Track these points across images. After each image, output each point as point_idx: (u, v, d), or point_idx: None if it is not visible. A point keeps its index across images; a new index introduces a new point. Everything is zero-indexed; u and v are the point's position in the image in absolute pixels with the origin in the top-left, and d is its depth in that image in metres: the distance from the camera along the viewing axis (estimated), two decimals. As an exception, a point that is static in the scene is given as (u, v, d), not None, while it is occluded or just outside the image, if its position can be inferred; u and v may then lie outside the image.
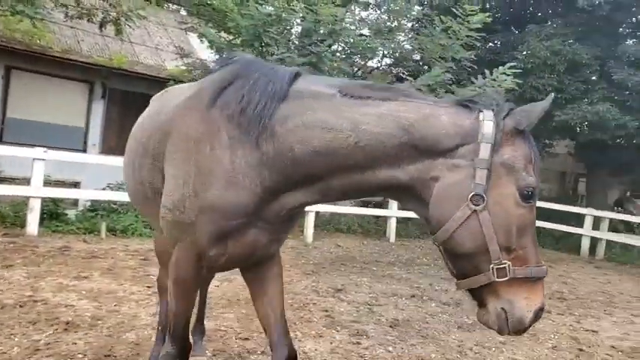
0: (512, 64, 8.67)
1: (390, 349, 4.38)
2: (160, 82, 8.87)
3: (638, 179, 13.61)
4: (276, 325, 2.25)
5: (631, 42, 12.67)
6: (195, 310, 3.73)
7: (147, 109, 2.71)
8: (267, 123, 1.87)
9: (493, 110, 1.73)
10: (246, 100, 1.92)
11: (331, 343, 4.34)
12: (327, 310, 5.13)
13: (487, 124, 1.70)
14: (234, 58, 2.20)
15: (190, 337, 2.34)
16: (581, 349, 4.92)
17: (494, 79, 8.24)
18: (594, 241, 11.80)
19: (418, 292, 6.52)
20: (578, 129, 11.04)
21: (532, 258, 1.71)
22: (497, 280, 1.67)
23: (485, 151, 1.67)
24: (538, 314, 1.72)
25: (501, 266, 1.66)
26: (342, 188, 1.91)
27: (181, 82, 5.03)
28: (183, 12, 11.68)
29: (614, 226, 12.41)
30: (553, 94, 2.01)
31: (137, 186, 2.45)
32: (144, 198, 2.41)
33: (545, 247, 11.81)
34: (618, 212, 13.11)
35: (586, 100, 11.53)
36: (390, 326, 4.98)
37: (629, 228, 13.38)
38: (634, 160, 12.37)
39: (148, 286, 5.13)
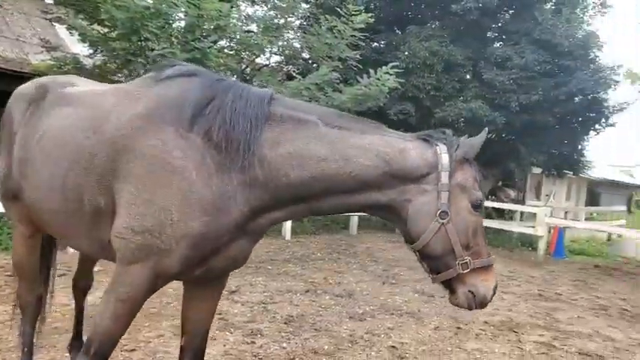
0: (394, 63, 9.07)
1: (284, 345, 4.39)
2: (24, 78, 7.95)
3: (507, 170, 15.04)
4: (201, 340, 2.48)
5: (497, 45, 13.93)
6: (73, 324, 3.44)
7: (65, 111, 2.42)
8: (255, 149, 2.02)
9: (445, 144, 2.18)
10: (230, 123, 2.03)
11: (224, 345, 4.25)
12: (220, 313, 5.00)
13: (444, 156, 2.15)
14: (177, 68, 2.29)
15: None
16: (459, 327, 5.32)
17: (378, 79, 8.56)
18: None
19: (312, 287, 6.61)
20: (455, 125, 11.88)
21: (484, 251, 2.21)
22: (462, 272, 2.15)
23: (445, 177, 2.13)
24: (494, 290, 2.23)
25: (464, 261, 2.14)
26: (330, 207, 2.22)
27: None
28: (48, 0, 10.53)
29: (489, 214, 13.63)
30: (487, 128, 2.43)
31: (60, 200, 2.29)
32: (71, 214, 2.28)
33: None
34: (492, 201, 14.41)
35: (461, 97, 12.46)
36: (285, 323, 4.99)
37: (500, 215, 14.83)
38: (503, 152, 13.66)
39: (15, 305, 4.60)
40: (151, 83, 2.27)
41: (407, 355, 4.39)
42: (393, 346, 4.57)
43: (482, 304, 2.20)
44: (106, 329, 2.10)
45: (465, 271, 2.13)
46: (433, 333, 5.07)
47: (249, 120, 2.05)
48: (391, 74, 8.64)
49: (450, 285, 2.22)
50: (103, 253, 2.33)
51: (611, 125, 14.26)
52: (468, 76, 13.47)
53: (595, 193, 27.13)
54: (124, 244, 2.04)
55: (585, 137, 14.79)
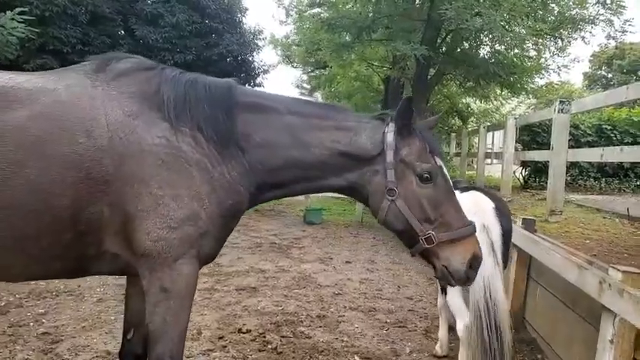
0: (23, 9, 7.68)
1: None
2: None
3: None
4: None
5: (149, 1, 13.55)
6: None
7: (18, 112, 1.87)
8: (234, 139, 2.15)
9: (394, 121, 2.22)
10: (213, 116, 2.12)
11: None
12: None
13: (389, 135, 2.21)
14: (126, 60, 2.17)
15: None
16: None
17: (2, 26, 7.10)
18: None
19: None
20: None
21: (454, 222, 2.16)
22: (427, 246, 2.14)
23: (390, 155, 2.19)
24: (473, 264, 2.15)
25: (426, 235, 2.14)
26: (302, 190, 2.43)
27: None
28: None
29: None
30: (405, 95, 2.20)
31: (24, 221, 1.84)
32: (43, 235, 1.89)
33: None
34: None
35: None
36: None
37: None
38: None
39: None
40: (107, 77, 2.06)
41: (62, 337, 3.94)
42: (46, 333, 4.03)
43: (458, 279, 2.17)
44: (178, 331, 2.07)
45: (432, 245, 2.14)
46: (95, 306, 4.72)
47: (224, 112, 2.14)
48: (20, 22, 7.29)
49: (427, 259, 2.23)
50: (74, 273, 2.15)
51: (259, 85, 16.08)
52: (119, 32, 12.69)
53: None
54: (165, 245, 1.99)
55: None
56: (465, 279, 2.17)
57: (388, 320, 4.72)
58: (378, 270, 6.68)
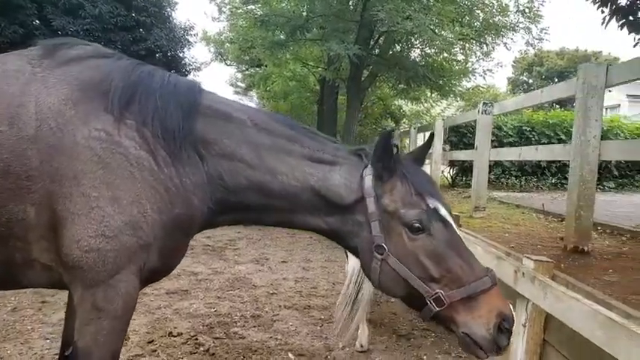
0: None
1: None
2: None
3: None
4: None
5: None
6: None
7: None
8: (190, 140, 1.83)
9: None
10: (162, 110, 1.81)
11: None
12: None
13: (367, 179, 1.85)
14: (82, 47, 1.93)
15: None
16: (44, 302, 4.84)
17: None
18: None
19: None
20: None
21: (465, 276, 1.75)
22: (438, 309, 1.74)
23: (371, 204, 1.82)
24: (502, 326, 1.73)
25: (434, 296, 1.74)
26: (276, 222, 2.05)
27: None
28: None
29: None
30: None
31: None
32: None
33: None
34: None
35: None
36: None
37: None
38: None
39: None
40: (52, 63, 1.82)
41: (-28, 351, 3.65)
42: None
43: (489, 349, 1.75)
44: (110, 352, 1.81)
45: (443, 308, 1.75)
46: (10, 315, 4.41)
47: (180, 108, 1.84)
48: None
49: (442, 324, 1.86)
50: (3, 283, 1.91)
51: (190, 82, 15.70)
52: (34, 21, 11.94)
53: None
54: (98, 257, 1.71)
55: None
56: (495, 347, 1.75)
57: (322, 317, 4.78)
58: (313, 268, 6.73)
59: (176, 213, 1.83)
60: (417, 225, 1.81)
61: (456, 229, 1.88)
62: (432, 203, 1.84)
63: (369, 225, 1.84)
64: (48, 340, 3.88)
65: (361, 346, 3.97)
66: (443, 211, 1.85)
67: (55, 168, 1.69)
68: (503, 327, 1.74)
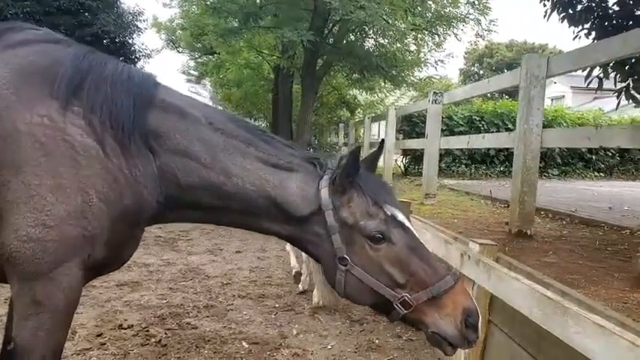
0: None
1: None
2: None
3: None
4: None
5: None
6: None
7: None
8: (141, 133, 1.76)
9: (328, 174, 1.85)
10: (112, 100, 1.74)
11: None
12: None
13: (324, 191, 1.82)
14: (34, 32, 1.85)
15: None
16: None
17: None
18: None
19: None
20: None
21: (428, 277, 1.78)
22: (406, 312, 1.77)
23: (330, 217, 1.80)
24: (469, 321, 1.75)
25: (401, 300, 1.76)
26: (233, 223, 2.00)
27: None
28: None
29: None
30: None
31: None
32: None
33: None
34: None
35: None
36: None
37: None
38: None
39: None
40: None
41: None
42: None
43: (460, 345, 1.79)
44: (51, 349, 1.72)
45: (410, 310, 1.77)
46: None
47: (131, 98, 1.77)
48: None
49: (412, 325, 1.87)
50: None
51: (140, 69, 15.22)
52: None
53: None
54: (38, 248, 1.61)
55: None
56: (464, 342, 1.79)
57: (277, 305, 4.79)
58: (268, 258, 6.71)
59: (125, 204, 1.75)
60: (378, 235, 1.80)
61: (415, 233, 1.88)
62: (389, 210, 1.84)
63: (329, 237, 1.82)
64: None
65: (318, 301, 4.57)
66: (400, 217, 1.85)
67: (4, 157, 1.60)
68: (469, 322, 1.77)
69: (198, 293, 5.04)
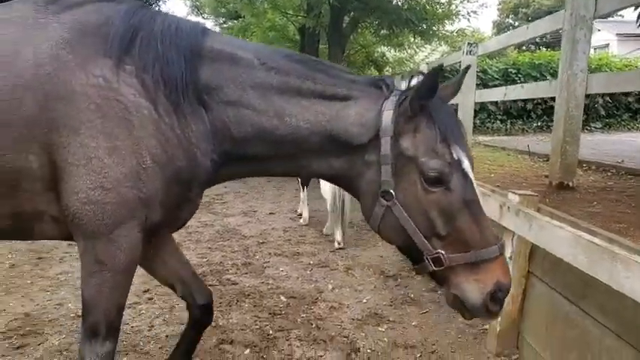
0: None
1: None
2: None
3: None
4: (192, 274, 2.34)
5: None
6: None
7: None
8: (193, 88, 1.72)
9: (397, 97, 1.67)
10: (163, 57, 1.70)
11: None
12: None
13: (386, 115, 1.66)
14: None
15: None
16: (40, 257, 4.82)
17: None
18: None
19: None
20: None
21: (474, 241, 1.61)
22: (436, 269, 1.64)
23: (385, 145, 1.64)
24: (496, 296, 1.61)
25: (434, 255, 1.62)
26: (282, 171, 1.93)
27: None
28: None
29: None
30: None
31: None
32: None
33: None
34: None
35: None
36: None
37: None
38: None
39: None
40: (56, 9, 1.73)
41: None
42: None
43: (477, 315, 1.65)
44: (115, 303, 1.80)
45: (441, 268, 1.63)
46: (9, 272, 4.41)
47: (182, 54, 1.72)
48: None
49: (436, 280, 1.73)
50: (15, 234, 1.86)
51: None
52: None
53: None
54: (97, 210, 1.64)
55: None
56: (485, 313, 1.64)
57: (311, 262, 4.85)
58: (300, 218, 6.78)
59: (178, 166, 1.73)
60: (436, 177, 1.61)
61: (476, 186, 1.68)
62: (457, 153, 1.63)
63: (379, 167, 1.67)
64: (48, 293, 3.94)
65: (338, 243, 5.29)
66: (466, 164, 1.65)
67: (52, 116, 1.61)
68: (497, 296, 1.62)
69: (235, 252, 5.14)
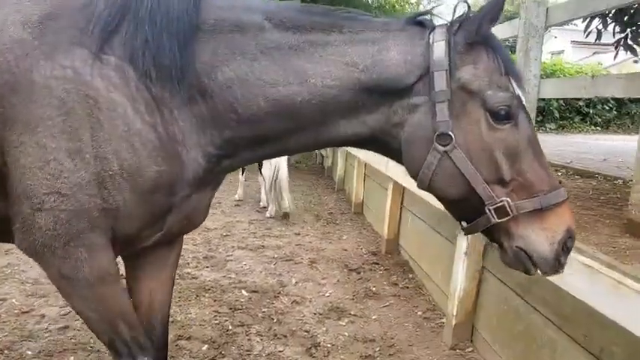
0: None
1: None
2: None
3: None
4: (162, 315, 2.00)
5: None
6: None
7: None
8: (191, 75, 1.46)
9: (443, 27, 1.45)
10: (154, 44, 1.44)
11: None
12: None
13: (438, 46, 1.42)
14: None
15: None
16: None
17: None
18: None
19: None
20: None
21: (539, 183, 1.41)
22: (498, 220, 1.42)
23: (440, 80, 1.41)
24: (567, 244, 1.42)
25: (498, 204, 1.41)
26: (298, 146, 1.64)
27: None
28: None
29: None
30: None
31: None
32: None
33: None
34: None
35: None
36: None
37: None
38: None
39: None
40: None
41: None
42: None
43: (545, 268, 1.44)
44: (114, 318, 1.63)
45: (505, 219, 1.41)
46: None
47: (175, 38, 1.45)
48: None
49: (491, 237, 1.51)
50: None
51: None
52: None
53: None
54: (50, 217, 1.44)
55: None
56: (556, 266, 1.45)
57: (276, 255, 4.90)
58: (267, 210, 6.81)
59: (153, 171, 1.48)
60: (505, 112, 1.40)
61: (532, 125, 1.50)
62: (517, 89, 1.45)
63: (432, 107, 1.42)
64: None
65: (288, 206, 6.25)
66: (524, 100, 1.48)
67: (7, 111, 1.41)
68: (567, 246, 1.44)
69: (197, 245, 5.13)
